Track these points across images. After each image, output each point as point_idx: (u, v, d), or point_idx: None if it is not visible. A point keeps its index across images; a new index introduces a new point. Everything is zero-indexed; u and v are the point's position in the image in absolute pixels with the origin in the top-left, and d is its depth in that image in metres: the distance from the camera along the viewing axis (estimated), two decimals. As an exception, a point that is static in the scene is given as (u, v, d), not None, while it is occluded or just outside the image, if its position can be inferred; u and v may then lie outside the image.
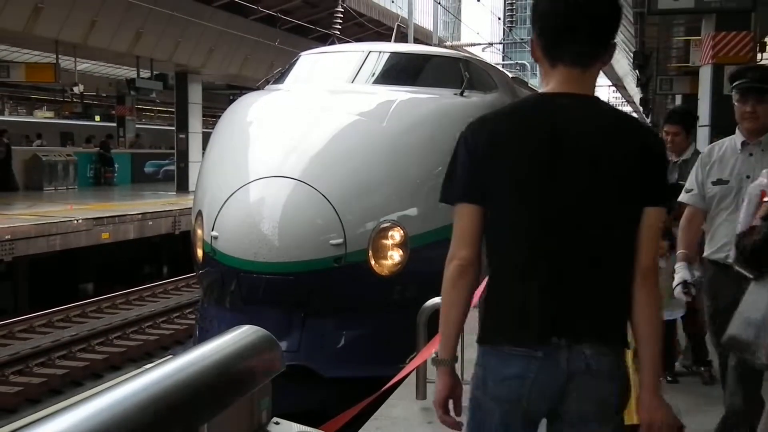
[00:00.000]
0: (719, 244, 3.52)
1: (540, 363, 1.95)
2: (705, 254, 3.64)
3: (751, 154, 3.50)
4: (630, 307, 2.00)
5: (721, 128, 6.84)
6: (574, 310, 1.96)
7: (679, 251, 3.73)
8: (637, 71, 20.42)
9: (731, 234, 3.27)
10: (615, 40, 2.02)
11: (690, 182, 3.71)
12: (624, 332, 2.03)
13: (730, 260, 3.22)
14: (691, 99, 14.29)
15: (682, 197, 3.73)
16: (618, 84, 40.82)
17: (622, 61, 26.76)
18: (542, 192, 1.96)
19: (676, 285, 3.61)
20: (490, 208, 2.02)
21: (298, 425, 2.13)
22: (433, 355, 2.27)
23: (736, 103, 3.50)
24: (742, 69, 3.74)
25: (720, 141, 3.73)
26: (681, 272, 3.62)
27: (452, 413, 2.09)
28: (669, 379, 4.81)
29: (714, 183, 3.55)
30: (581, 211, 1.96)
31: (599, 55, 2.00)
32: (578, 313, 1.96)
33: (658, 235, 2.04)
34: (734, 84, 3.53)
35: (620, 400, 2.00)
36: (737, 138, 3.57)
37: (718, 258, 3.52)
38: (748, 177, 3.42)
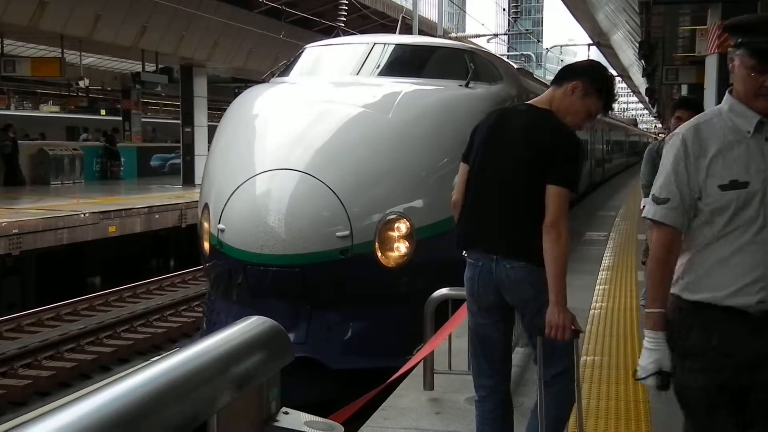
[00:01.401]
0: (742, 283, 2.23)
1: (481, 269, 3.08)
2: (704, 299, 2.29)
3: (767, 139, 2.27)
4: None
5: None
6: (498, 237, 3.06)
7: (654, 310, 2.33)
8: (642, 61, 20.31)
9: (764, 265, 2.23)
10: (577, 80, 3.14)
11: (665, 188, 2.32)
12: (534, 253, 2.93)
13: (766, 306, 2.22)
14: (697, 89, 14.25)
15: (656, 213, 2.34)
16: (623, 74, 40.66)
17: (627, 51, 26.67)
18: (487, 161, 3.15)
19: (650, 374, 2.30)
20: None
21: (307, 415, 2.14)
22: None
23: (747, 70, 2.24)
24: (758, 20, 2.32)
25: (701, 117, 2.39)
26: (658, 353, 2.31)
27: None
28: None
29: (724, 187, 2.24)
30: (505, 178, 3.07)
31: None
32: (501, 239, 3.05)
33: (557, 204, 2.93)
34: (745, 41, 2.24)
35: (534, 296, 2.98)
36: (741, 116, 2.28)
37: (741, 304, 2.24)
38: None
